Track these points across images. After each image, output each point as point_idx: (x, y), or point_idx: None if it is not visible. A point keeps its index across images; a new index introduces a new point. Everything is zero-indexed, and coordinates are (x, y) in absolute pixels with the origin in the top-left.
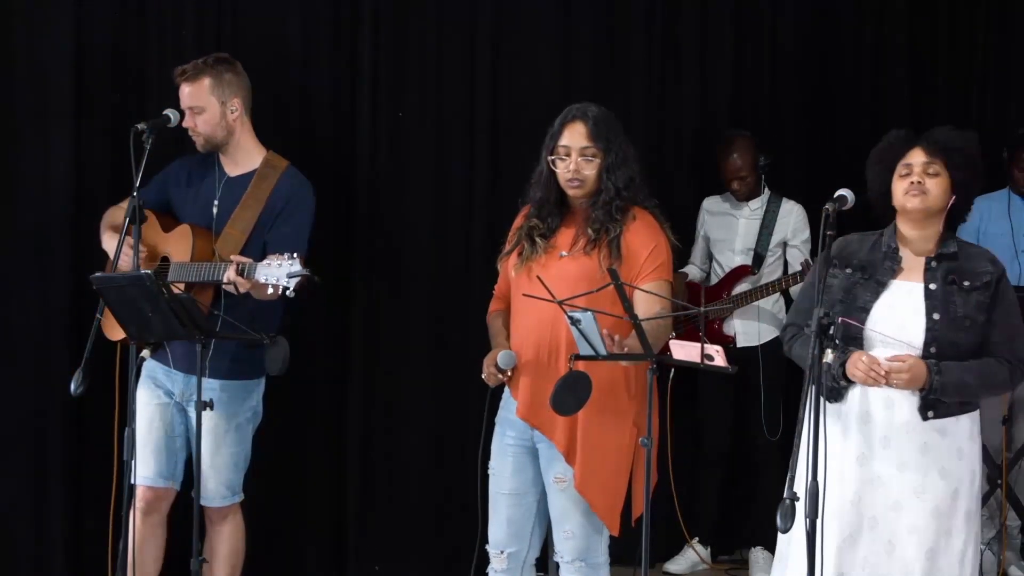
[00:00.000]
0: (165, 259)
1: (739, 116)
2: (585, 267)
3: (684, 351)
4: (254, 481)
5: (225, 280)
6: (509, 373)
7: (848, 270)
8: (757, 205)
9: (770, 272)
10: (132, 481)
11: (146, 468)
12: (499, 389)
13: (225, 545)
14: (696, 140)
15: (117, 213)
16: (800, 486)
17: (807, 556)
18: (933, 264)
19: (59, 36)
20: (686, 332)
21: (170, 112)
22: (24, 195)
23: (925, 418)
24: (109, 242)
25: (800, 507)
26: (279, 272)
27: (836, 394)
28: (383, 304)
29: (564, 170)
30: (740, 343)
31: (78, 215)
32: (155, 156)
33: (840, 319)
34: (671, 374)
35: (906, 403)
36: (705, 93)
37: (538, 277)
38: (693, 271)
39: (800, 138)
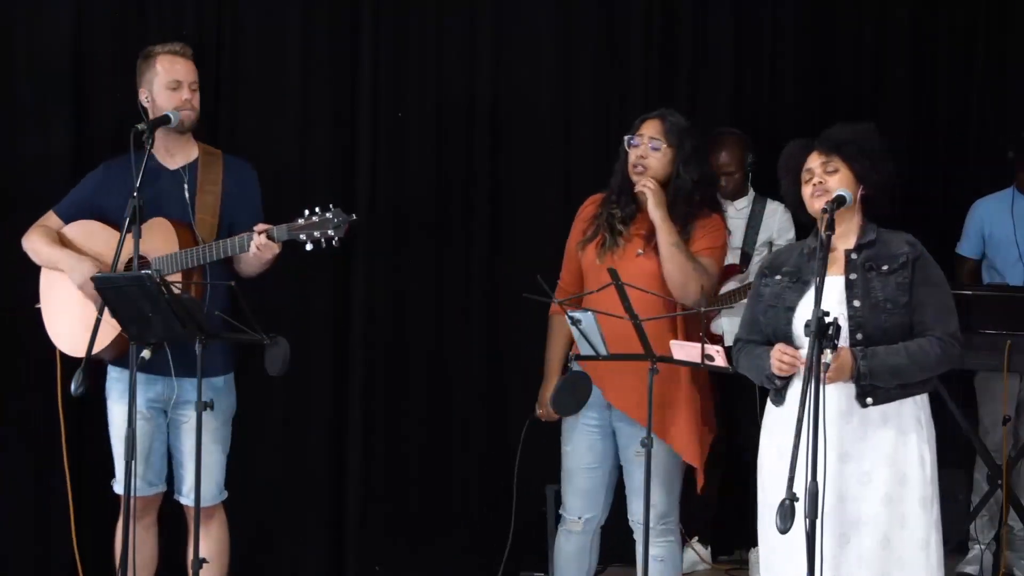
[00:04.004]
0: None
1: (739, 116)
2: (660, 266)
3: (684, 351)
4: (253, 481)
5: (254, 249)
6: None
7: (778, 276)
8: (743, 204)
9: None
10: (132, 485)
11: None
12: (537, 421)
13: (214, 543)
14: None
15: (46, 231)
16: (799, 486)
17: (807, 556)
18: (853, 256)
19: (59, 33)
20: None
21: (170, 112)
22: (24, 191)
23: (864, 405)
24: (54, 250)
25: (800, 507)
26: (323, 227)
27: (778, 396)
28: (383, 302)
29: (633, 155)
30: (728, 341)
31: None
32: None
33: (836, 318)
34: None
35: (841, 394)
36: (705, 93)
37: (538, 277)
38: None
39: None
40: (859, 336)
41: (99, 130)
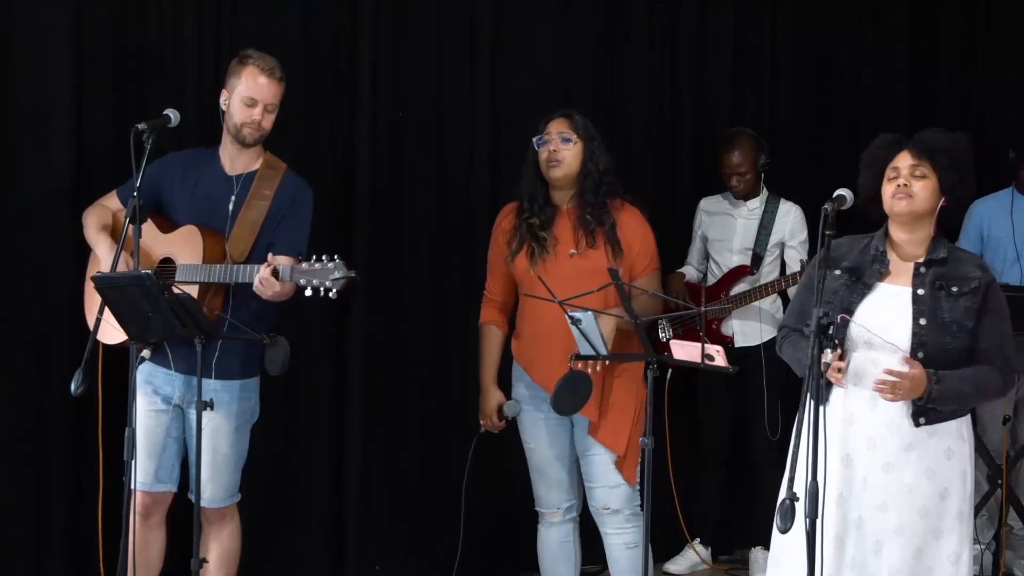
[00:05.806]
0: (167, 260)
1: (739, 115)
2: (596, 261)
3: (684, 351)
4: (253, 481)
5: (257, 283)
6: (511, 418)
7: (836, 272)
8: (756, 205)
9: (768, 272)
10: (132, 482)
11: (144, 474)
12: (485, 434)
13: (223, 545)
14: (696, 139)
15: (102, 213)
16: (800, 486)
17: (807, 556)
18: (922, 270)
19: (59, 33)
20: (685, 332)
21: (170, 112)
22: (24, 192)
23: (917, 424)
24: (98, 236)
25: (800, 507)
26: (322, 276)
27: (822, 395)
28: (383, 303)
29: (545, 152)
30: (738, 343)
31: (78, 213)
32: (154, 156)
33: (839, 317)
34: (668, 373)
35: (893, 405)
36: (705, 93)
37: (539, 277)
38: (690, 271)
39: (800, 138)
40: (920, 355)
41: (99, 132)
